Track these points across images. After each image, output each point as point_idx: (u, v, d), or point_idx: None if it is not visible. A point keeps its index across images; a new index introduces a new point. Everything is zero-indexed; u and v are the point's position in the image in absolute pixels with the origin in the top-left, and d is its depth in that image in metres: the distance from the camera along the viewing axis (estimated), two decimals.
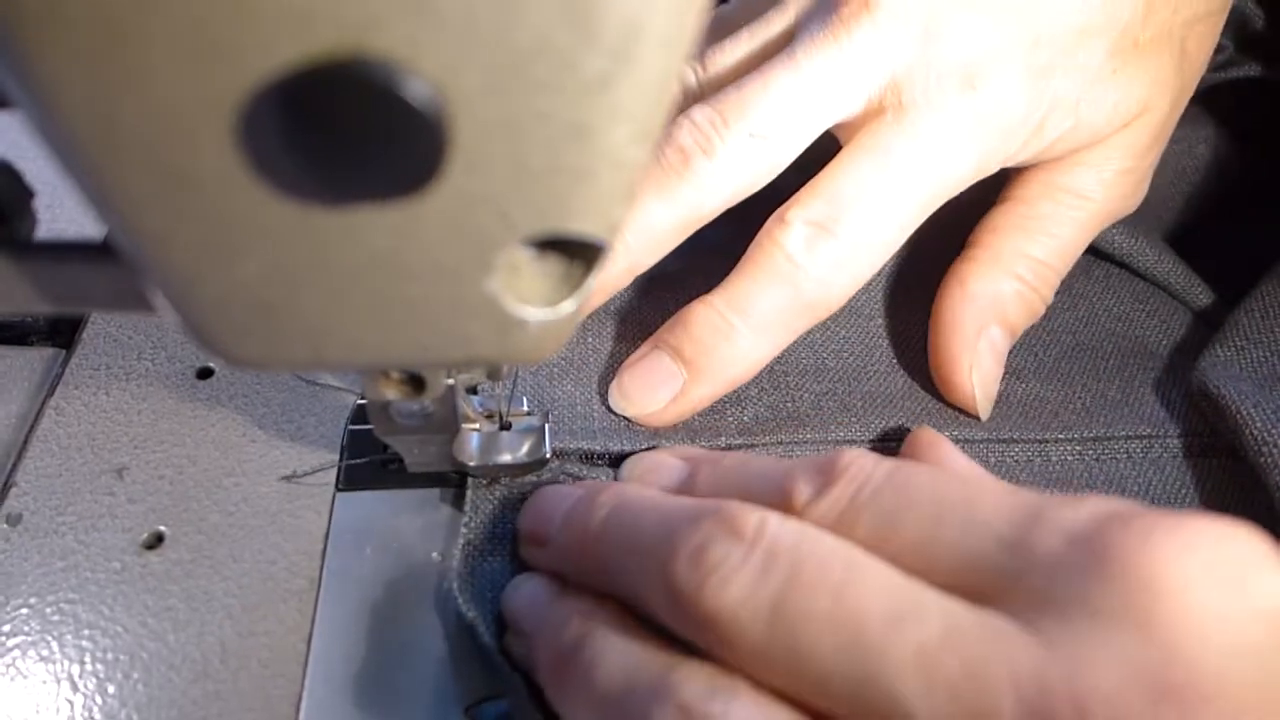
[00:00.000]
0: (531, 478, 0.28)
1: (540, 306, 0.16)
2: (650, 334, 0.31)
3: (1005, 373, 0.33)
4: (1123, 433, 0.31)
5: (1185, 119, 0.42)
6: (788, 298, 0.29)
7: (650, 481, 0.27)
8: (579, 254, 0.16)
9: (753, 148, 0.29)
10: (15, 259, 0.17)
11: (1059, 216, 0.33)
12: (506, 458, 0.28)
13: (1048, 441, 0.31)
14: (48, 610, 0.26)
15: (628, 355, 0.31)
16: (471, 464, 0.27)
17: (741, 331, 0.29)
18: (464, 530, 0.27)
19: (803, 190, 0.29)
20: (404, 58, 0.12)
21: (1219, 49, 0.39)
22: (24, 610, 0.26)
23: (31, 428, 0.30)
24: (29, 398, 0.31)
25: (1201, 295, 0.38)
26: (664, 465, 0.28)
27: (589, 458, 0.29)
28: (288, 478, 0.29)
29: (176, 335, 0.33)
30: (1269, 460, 0.27)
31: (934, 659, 0.16)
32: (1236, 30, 0.39)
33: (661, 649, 0.20)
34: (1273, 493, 0.27)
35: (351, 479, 0.29)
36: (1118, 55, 0.30)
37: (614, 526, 0.23)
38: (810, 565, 0.18)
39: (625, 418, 0.30)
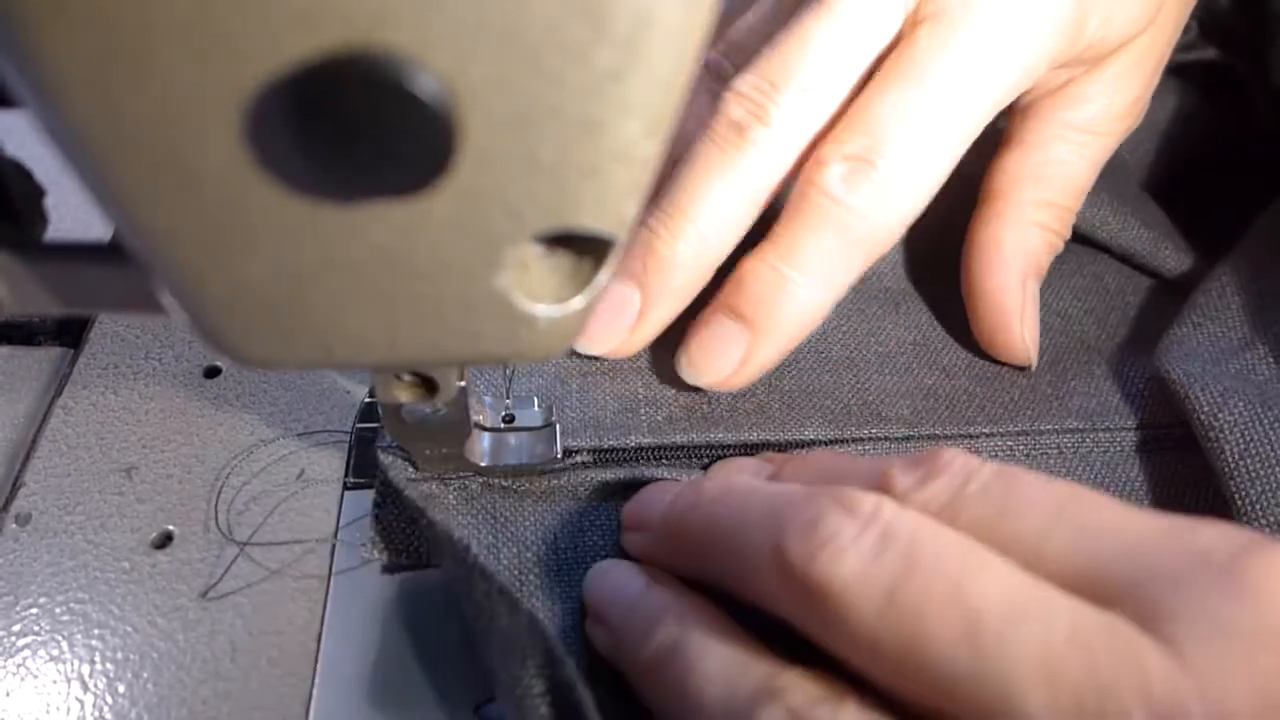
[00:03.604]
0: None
1: (550, 303, 0.16)
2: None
3: (935, 370, 0.32)
4: (1050, 427, 0.30)
5: (1154, 97, 0.42)
6: (836, 240, 0.27)
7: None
8: (589, 250, 0.16)
9: (806, 103, 0.27)
10: (25, 259, 0.17)
11: (1072, 157, 0.32)
12: (517, 458, 0.28)
13: (975, 436, 0.30)
14: (57, 610, 0.26)
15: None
16: (483, 464, 0.27)
17: (797, 281, 0.27)
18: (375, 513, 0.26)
19: (838, 124, 0.28)
20: (413, 53, 0.11)
21: (1185, 29, 0.39)
22: (34, 610, 0.26)
23: (40, 427, 0.30)
24: (37, 397, 0.31)
25: (1169, 259, 0.37)
26: (748, 466, 0.27)
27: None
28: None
29: (184, 334, 0.33)
30: (1214, 445, 0.27)
31: (1058, 661, 0.16)
32: (1202, 10, 0.39)
33: (764, 655, 0.20)
34: (1222, 478, 0.26)
35: (360, 477, 0.29)
36: None
37: (721, 507, 0.22)
38: (927, 553, 0.17)
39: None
